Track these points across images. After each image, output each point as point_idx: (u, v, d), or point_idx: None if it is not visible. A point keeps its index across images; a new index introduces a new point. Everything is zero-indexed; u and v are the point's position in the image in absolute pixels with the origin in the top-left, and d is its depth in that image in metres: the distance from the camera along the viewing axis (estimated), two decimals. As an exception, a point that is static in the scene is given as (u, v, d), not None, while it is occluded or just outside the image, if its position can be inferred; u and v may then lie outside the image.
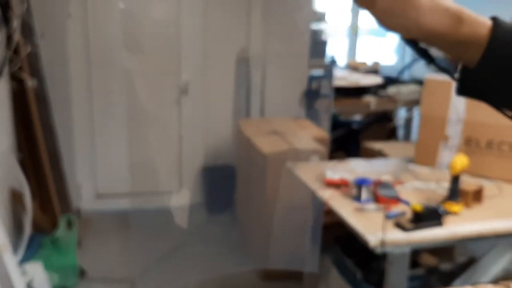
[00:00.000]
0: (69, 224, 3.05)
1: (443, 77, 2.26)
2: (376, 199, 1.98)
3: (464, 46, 0.55)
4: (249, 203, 3.32)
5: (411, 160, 2.48)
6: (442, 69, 0.63)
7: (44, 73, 3.31)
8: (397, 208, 1.92)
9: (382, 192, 1.98)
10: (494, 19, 0.55)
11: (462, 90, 0.58)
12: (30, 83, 2.71)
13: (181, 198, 4.14)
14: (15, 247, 2.72)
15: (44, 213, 3.20)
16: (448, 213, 1.86)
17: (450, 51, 0.57)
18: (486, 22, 0.55)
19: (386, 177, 2.19)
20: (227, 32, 3.94)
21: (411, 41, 0.58)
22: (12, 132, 3.00)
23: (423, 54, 0.60)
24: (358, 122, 4.28)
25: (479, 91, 0.57)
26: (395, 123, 4.25)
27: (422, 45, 0.59)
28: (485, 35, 0.54)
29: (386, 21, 0.55)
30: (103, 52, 3.77)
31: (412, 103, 3.93)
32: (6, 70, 2.55)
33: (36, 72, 3.15)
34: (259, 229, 3.08)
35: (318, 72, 4.09)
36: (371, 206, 1.94)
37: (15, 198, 2.86)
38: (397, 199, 1.88)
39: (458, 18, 0.54)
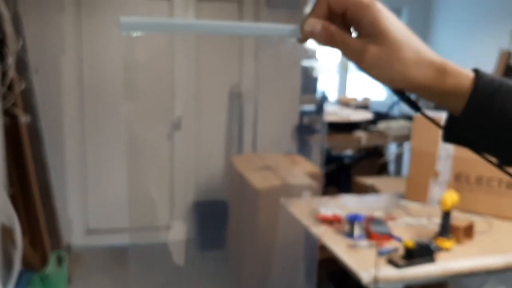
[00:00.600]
0: (59, 261, 3.02)
1: (433, 113, 2.31)
2: (369, 235, 2.00)
3: (449, 96, 0.58)
4: (241, 238, 3.31)
5: (402, 196, 2.51)
6: (428, 118, 0.66)
7: (38, 109, 3.33)
8: (389, 245, 1.93)
9: (374, 228, 1.99)
10: (476, 71, 0.58)
11: (448, 137, 0.61)
12: (23, 119, 2.73)
13: (172, 234, 4.12)
14: (4, 284, 2.67)
15: (35, 249, 3.16)
16: (440, 249, 1.88)
17: (436, 100, 0.59)
18: (469, 74, 0.58)
19: (378, 213, 2.21)
20: (220, 68, 4.01)
21: (398, 91, 0.61)
22: (3, 167, 3.00)
23: (410, 103, 0.63)
24: (350, 157, 4.32)
25: (463, 138, 0.59)
26: (386, 158, 4.29)
27: (409, 95, 0.62)
28: (468, 86, 0.57)
29: (374, 74, 0.58)
30: (96, 87, 3.81)
31: (402, 139, 3.98)
32: (1, 106, 2.57)
33: (29, 107, 3.17)
34: (252, 265, 3.06)
35: (309, 107, 4.16)
36: (364, 242, 1.95)
37: (5, 233, 2.83)
38: (389, 236, 1.89)
39: (442, 70, 0.57)
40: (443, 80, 0.57)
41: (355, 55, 0.58)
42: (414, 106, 0.63)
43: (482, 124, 0.57)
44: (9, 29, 2.43)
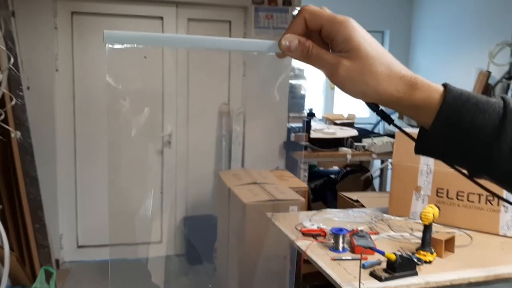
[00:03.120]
0: (47, 276, 3.03)
1: (414, 130, 2.39)
2: (353, 248, 2.05)
3: (419, 110, 0.61)
4: (229, 252, 3.34)
5: (386, 211, 2.57)
6: (401, 131, 0.72)
7: (29, 125, 3.37)
8: (373, 258, 1.99)
9: (358, 241, 2.05)
10: (445, 86, 0.61)
11: (419, 149, 0.64)
12: (14, 134, 2.76)
13: (162, 248, 4.14)
14: (-8, 300, 2.68)
15: (24, 265, 3.16)
16: (422, 262, 1.94)
17: (407, 113, 0.63)
18: (439, 88, 0.61)
19: (362, 227, 2.27)
20: (210, 86, 4.08)
21: (372, 104, 0.66)
22: (-6, 183, 3.02)
23: (384, 116, 0.68)
24: (336, 173, 4.39)
25: (434, 150, 0.62)
26: (371, 174, 4.37)
27: (383, 108, 0.67)
28: (437, 100, 0.60)
29: (347, 87, 0.61)
30: (87, 105, 3.86)
31: (385, 155, 4.07)
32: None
33: (21, 123, 3.21)
34: (237, 279, 3.09)
35: (297, 124, 4.24)
36: (348, 255, 2.01)
37: (-6, 249, 2.84)
38: (372, 249, 1.95)
39: (413, 85, 0.60)
40: (414, 93, 0.60)
41: (329, 69, 0.61)
42: (387, 118, 0.68)
43: (451, 137, 0.60)
44: (1, 46, 2.48)
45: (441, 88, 0.61)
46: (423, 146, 0.63)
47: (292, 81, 4.16)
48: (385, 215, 2.52)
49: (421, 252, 1.98)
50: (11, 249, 3.00)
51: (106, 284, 3.65)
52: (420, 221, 2.08)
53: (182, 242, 4.14)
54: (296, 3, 3.88)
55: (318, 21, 0.61)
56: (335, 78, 0.62)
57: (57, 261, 3.76)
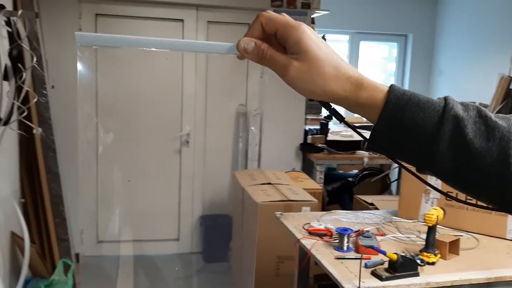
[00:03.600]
0: (66, 269, 3.12)
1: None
2: (357, 248, 2.07)
3: (365, 108, 0.64)
4: (242, 251, 3.39)
5: (395, 213, 2.57)
6: (352, 128, 0.75)
7: (52, 122, 3.49)
8: (376, 258, 2.00)
9: (363, 242, 2.06)
10: (391, 86, 0.64)
11: (369, 146, 0.67)
12: (37, 131, 2.87)
13: (178, 246, 4.21)
14: (11, 289, 2.78)
15: (44, 258, 3.27)
16: (425, 263, 1.94)
17: (355, 111, 0.66)
18: (384, 88, 0.64)
19: (369, 228, 2.28)
20: (227, 87, 4.14)
21: (324, 102, 0.69)
22: (17, 177, 3.14)
23: (335, 113, 0.72)
24: (353, 176, 4.38)
25: (380, 147, 0.65)
26: (389, 177, 4.35)
27: (334, 106, 0.70)
28: (381, 99, 0.63)
29: (297, 86, 0.65)
30: (110, 103, 3.96)
31: (404, 159, 4.03)
32: (14, 118, 2.72)
33: (44, 121, 3.33)
34: (251, 278, 3.13)
35: (314, 126, 4.25)
36: (351, 255, 2.02)
37: (15, 242, 2.96)
38: (374, 248, 1.96)
39: (358, 84, 0.64)
40: (359, 93, 0.64)
41: (281, 69, 0.66)
42: (338, 116, 0.72)
43: (393, 134, 0.63)
44: (25, 46, 2.59)
45: (386, 88, 0.64)
46: (371, 142, 0.66)
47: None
48: (394, 217, 2.52)
49: (425, 253, 1.98)
50: (32, 241, 3.11)
51: (124, 279, 3.74)
52: (427, 223, 2.08)
53: (199, 240, 4.20)
54: (315, 6, 3.91)
55: (273, 26, 0.65)
56: (287, 78, 0.66)
57: (77, 255, 3.87)
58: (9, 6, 2.75)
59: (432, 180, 1.18)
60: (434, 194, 2.39)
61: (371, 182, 4.23)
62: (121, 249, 4.12)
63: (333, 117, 0.73)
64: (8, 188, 2.83)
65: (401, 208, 2.50)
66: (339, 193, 4.22)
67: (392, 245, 2.14)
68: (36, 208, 3.29)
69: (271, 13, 0.66)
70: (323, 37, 4.24)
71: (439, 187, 0.76)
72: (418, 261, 1.92)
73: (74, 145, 3.90)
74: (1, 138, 2.75)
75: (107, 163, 4.04)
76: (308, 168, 4.12)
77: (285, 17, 0.66)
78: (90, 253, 4.09)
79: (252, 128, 4.07)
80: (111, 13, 3.87)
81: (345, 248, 2.08)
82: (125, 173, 4.05)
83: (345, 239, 2.08)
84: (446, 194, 0.75)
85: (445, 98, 0.63)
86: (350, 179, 4.36)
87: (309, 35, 0.64)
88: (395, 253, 1.86)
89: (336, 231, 2.12)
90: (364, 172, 4.30)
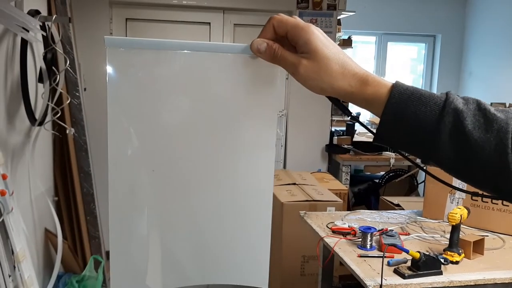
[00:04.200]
0: (97, 265, 3.22)
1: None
2: (380, 247, 2.08)
3: (370, 103, 0.68)
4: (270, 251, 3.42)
5: (421, 214, 2.57)
6: (358, 122, 0.78)
7: (85, 124, 3.60)
8: (400, 256, 2.01)
9: (386, 240, 2.07)
10: (395, 82, 0.68)
11: (376, 139, 0.70)
12: (70, 131, 2.97)
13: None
14: (45, 284, 2.89)
15: (75, 254, 3.38)
16: (448, 262, 1.94)
17: (361, 106, 0.70)
18: (388, 84, 0.68)
19: (393, 228, 2.28)
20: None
21: (333, 98, 0.73)
22: (51, 176, 3.26)
23: (343, 109, 0.75)
24: (380, 177, 4.37)
25: (386, 140, 0.69)
26: (416, 179, 4.31)
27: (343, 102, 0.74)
28: (385, 95, 0.67)
29: (307, 84, 0.70)
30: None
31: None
32: (49, 119, 2.82)
33: (77, 122, 3.44)
34: (277, 277, 3.16)
35: (340, 128, 4.26)
36: (374, 253, 2.04)
37: (49, 238, 3.07)
38: (396, 246, 1.97)
39: (364, 81, 0.68)
40: (365, 89, 0.68)
41: (292, 68, 0.71)
42: (346, 111, 0.76)
43: (397, 127, 0.66)
44: (59, 49, 2.69)
45: (390, 84, 0.68)
46: (377, 136, 0.69)
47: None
48: (419, 217, 2.52)
49: (448, 252, 1.98)
50: (65, 238, 3.22)
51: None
52: (452, 223, 2.07)
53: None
54: (341, 7, 3.93)
55: (284, 27, 0.71)
56: (297, 76, 0.71)
57: (107, 252, 3.97)
58: (43, 12, 2.86)
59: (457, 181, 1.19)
60: (459, 194, 2.38)
61: (398, 183, 4.21)
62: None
63: (343, 112, 0.76)
64: (43, 186, 2.94)
65: (426, 208, 2.49)
66: (366, 195, 4.21)
67: (416, 244, 2.15)
68: (69, 206, 3.41)
69: (282, 16, 0.71)
70: (349, 38, 4.24)
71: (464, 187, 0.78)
72: (442, 260, 1.93)
73: (106, 145, 3.99)
74: (36, 138, 2.86)
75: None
76: (334, 169, 4.13)
77: (296, 20, 0.71)
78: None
79: (278, 129, 4.11)
80: (141, 17, 3.97)
81: (368, 246, 2.09)
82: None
83: (368, 238, 2.09)
84: (470, 192, 0.77)
85: (447, 93, 0.66)
86: (377, 180, 4.34)
87: (318, 35, 0.69)
88: (418, 252, 1.87)
89: (360, 229, 2.14)
90: (391, 174, 4.28)
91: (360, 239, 2.14)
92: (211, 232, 0.90)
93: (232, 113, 0.84)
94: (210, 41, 4.07)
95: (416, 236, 2.24)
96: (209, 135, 0.85)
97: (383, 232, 2.16)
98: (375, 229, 2.13)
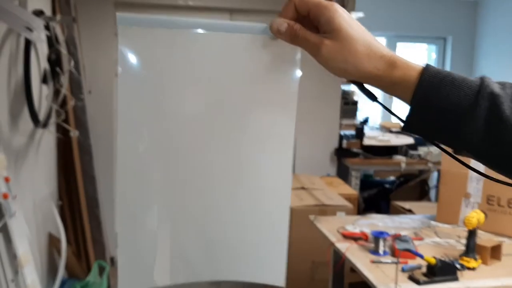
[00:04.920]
0: (101, 271, 3.16)
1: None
2: (394, 252, 2.00)
3: (398, 87, 0.62)
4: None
5: (434, 218, 2.49)
6: (385, 108, 0.71)
7: (89, 126, 3.55)
8: (414, 262, 1.93)
9: (399, 245, 1.99)
10: (425, 64, 0.62)
11: (405, 128, 0.64)
12: (74, 133, 2.93)
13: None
14: (48, 289, 2.83)
15: (79, 259, 3.32)
16: (464, 268, 1.86)
17: (387, 91, 0.64)
18: (417, 67, 0.62)
19: (406, 233, 2.20)
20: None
21: (356, 82, 0.67)
22: (54, 180, 3.21)
23: (368, 93, 0.68)
24: (390, 182, 4.28)
25: (416, 128, 0.63)
26: (427, 184, 4.23)
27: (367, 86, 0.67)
28: (415, 78, 0.61)
29: (329, 66, 0.64)
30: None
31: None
32: (52, 121, 2.77)
33: (81, 125, 3.39)
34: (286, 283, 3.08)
35: (349, 132, 4.19)
36: (387, 259, 1.96)
37: (52, 242, 3.01)
38: (411, 252, 1.89)
39: (391, 63, 0.62)
40: (392, 72, 0.62)
41: (313, 49, 0.65)
42: (371, 96, 0.69)
43: (428, 113, 0.60)
44: (62, 50, 2.65)
45: (420, 67, 0.62)
46: (407, 124, 0.64)
47: (344, 87, 4.12)
48: (432, 222, 2.43)
49: (465, 258, 1.90)
50: (69, 242, 3.16)
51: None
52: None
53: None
54: (349, 8, 3.86)
55: (306, 6, 0.65)
56: (319, 57, 0.65)
57: (112, 258, 3.91)
58: (47, 12, 2.82)
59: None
60: (474, 198, 2.29)
61: (409, 188, 4.12)
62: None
63: (367, 96, 0.69)
64: (46, 189, 2.89)
65: (440, 212, 2.41)
66: (376, 200, 4.13)
67: (430, 250, 2.06)
68: (73, 210, 3.35)
69: None
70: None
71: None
72: (458, 266, 1.84)
73: (110, 149, 3.96)
74: (40, 140, 2.81)
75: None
76: (343, 174, 4.05)
77: None
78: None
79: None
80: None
81: (380, 251, 2.01)
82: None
83: (381, 243, 2.01)
84: (492, 178, 0.69)
85: (481, 77, 0.60)
86: (387, 185, 4.26)
87: (341, 14, 0.64)
88: (434, 257, 1.79)
89: (372, 234, 2.06)
90: (401, 179, 4.19)
91: (372, 244, 2.06)
92: (225, 228, 0.84)
93: (248, 100, 0.78)
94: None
95: (431, 241, 2.16)
96: (224, 123, 0.79)
97: (396, 237, 2.08)
98: (388, 234, 2.06)
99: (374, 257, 1.98)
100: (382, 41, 5.60)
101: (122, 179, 0.82)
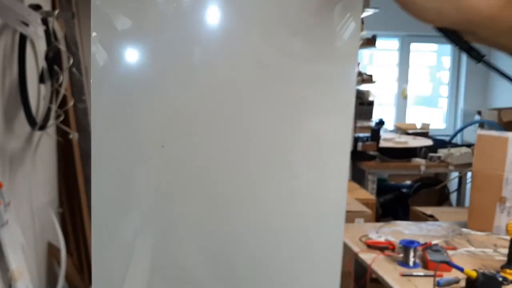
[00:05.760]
0: (104, 282, 2.98)
1: (498, 133, 2.10)
2: (426, 264, 1.80)
3: None
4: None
5: (464, 225, 2.28)
6: (498, 71, 0.51)
7: (91, 130, 3.38)
8: (449, 275, 1.73)
9: (432, 256, 1.80)
10: None
11: None
12: (73, 136, 2.76)
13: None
14: (47, 303, 2.66)
15: (81, 270, 3.15)
16: (508, 282, 1.65)
17: (503, 40, 0.45)
18: None
19: (436, 241, 2.00)
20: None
21: (449, 31, 0.47)
22: (54, 186, 3.04)
23: (469, 49, 0.49)
24: (407, 187, 4.08)
25: None
26: (447, 188, 4.02)
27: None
28: None
29: (416, 5, 0.45)
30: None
31: (464, 167, 3.72)
32: (52, 124, 2.61)
33: (82, 128, 3.22)
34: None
35: (364, 134, 4.00)
36: (420, 271, 1.76)
37: (52, 252, 2.85)
38: (449, 265, 1.69)
39: None
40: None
41: None
42: (474, 52, 0.49)
43: None
44: (61, 47, 2.48)
45: None
46: None
47: (360, 87, 3.93)
48: (463, 229, 2.23)
49: (507, 270, 1.70)
50: (69, 253, 3.00)
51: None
52: (505, 236, 1.80)
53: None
54: (365, 3, 3.68)
55: None
56: None
57: (116, 268, 3.74)
58: (46, 7, 2.66)
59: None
60: (510, 202, 2.09)
61: (426, 193, 3.92)
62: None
63: (468, 55, 0.49)
64: (45, 196, 2.73)
65: (472, 219, 2.20)
66: (392, 205, 3.93)
67: (466, 261, 1.86)
68: (74, 218, 3.18)
69: None
70: (373, 38, 3.98)
71: None
72: (500, 279, 1.64)
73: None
74: (38, 144, 2.64)
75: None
76: (358, 178, 3.85)
77: None
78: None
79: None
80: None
81: (411, 263, 1.81)
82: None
83: (411, 253, 1.82)
84: None
85: None
86: (404, 190, 4.05)
87: None
88: (475, 270, 1.59)
89: (401, 244, 1.86)
90: (418, 183, 3.99)
91: (401, 255, 1.87)
92: (249, 249, 0.64)
93: (296, 78, 0.59)
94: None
95: (465, 251, 1.96)
96: (251, 117, 0.60)
97: (427, 246, 1.89)
98: (418, 243, 1.86)
99: (404, 270, 1.79)
100: (395, 43, 5.42)
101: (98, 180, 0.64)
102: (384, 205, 3.96)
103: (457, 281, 1.66)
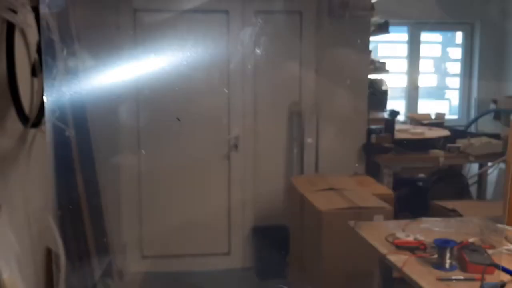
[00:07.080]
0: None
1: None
2: (464, 266, 1.62)
3: None
4: (304, 266, 2.98)
5: (497, 220, 2.09)
6: None
7: (89, 126, 3.22)
8: (492, 278, 1.54)
9: (471, 257, 1.61)
10: None
11: None
12: (70, 133, 2.60)
13: (229, 261, 3.89)
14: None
15: (82, 274, 3.01)
16: (561, 286, 1.47)
17: None
18: None
19: (472, 239, 1.82)
20: (278, 84, 3.77)
21: None
22: (51, 187, 2.88)
23: None
24: (424, 180, 3.89)
25: None
26: (467, 180, 3.83)
27: None
28: None
29: None
30: (152, 107, 3.68)
31: (485, 157, 3.53)
32: (45, 120, 2.44)
33: (80, 123, 3.07)
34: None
35: (377, 126, 3.83)
36: (459, 275, 1.57)
37: (51, 258, 2.70)
38: (493, 267, 1.51)
39: None
40: None
41: None
42: None
43: None
44: (54, 37, 2.31)
45: None
46: None
47: (372, 76, 3.75)
48: (498, 225, 2.04)
49: (561, 272, 1.51)
50: (70, 257, 2.85)
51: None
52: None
53: (251, 254, 3.84)
54: None
55: None
56: None
57: (120, 272, 3.58)
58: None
59: None
60: (552, 195, 1.90)
61: (445, 186, 3.74)
62: (169, 265, 3.84)
63: None
64: (42, 198, 2.57)
65: (510, 213, 2.02)
66: (409, 200, 3.75)
67: (508, 261, 1.68)
68: (74, 220, 3.04)
69: None
70: (386, 23, 3.78)
71: None
72: (552, 283, 1.46)
73: (115, 152, 3.64)
74: (33, 142, 2.47)
75: (150, 172, 3.76)
76: (372, 172, 3.69)
77: None
78: (135, 269, 3.80)
79: (308, 128, 3.68)
80: (150, 7, 3.61)
81: (447, 266, 1.63)
82: (170, 182, 3.76)
83: (447, 254, 1.63)
84: None
85: None
86: (420, 183, 3.87)
87: None
88: (525, 273, 1.40)
89: (435, 243, 1.68)
90: (436, 175, 3.81)
91: (434, 256, 1.68)
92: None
93: None
94: (228, 32, 3.68)
95: (505, 250, 1.77)
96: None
97: (463, 245, 1.70)
98: (455, 243, 1.67)
99: (440, 273, 1.60)
100: (404, 38, 5.25)
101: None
102: (399, 200, 3.79)
103: (503, 286, 1.48)
